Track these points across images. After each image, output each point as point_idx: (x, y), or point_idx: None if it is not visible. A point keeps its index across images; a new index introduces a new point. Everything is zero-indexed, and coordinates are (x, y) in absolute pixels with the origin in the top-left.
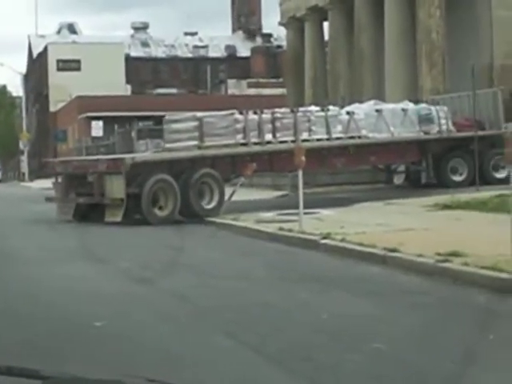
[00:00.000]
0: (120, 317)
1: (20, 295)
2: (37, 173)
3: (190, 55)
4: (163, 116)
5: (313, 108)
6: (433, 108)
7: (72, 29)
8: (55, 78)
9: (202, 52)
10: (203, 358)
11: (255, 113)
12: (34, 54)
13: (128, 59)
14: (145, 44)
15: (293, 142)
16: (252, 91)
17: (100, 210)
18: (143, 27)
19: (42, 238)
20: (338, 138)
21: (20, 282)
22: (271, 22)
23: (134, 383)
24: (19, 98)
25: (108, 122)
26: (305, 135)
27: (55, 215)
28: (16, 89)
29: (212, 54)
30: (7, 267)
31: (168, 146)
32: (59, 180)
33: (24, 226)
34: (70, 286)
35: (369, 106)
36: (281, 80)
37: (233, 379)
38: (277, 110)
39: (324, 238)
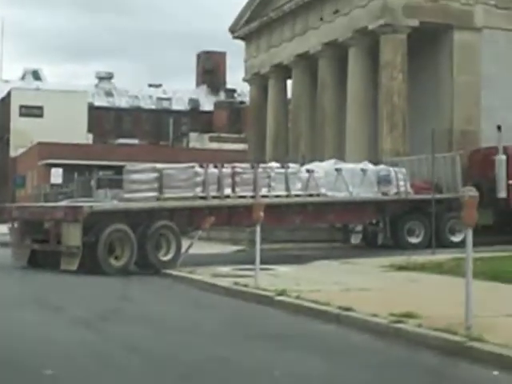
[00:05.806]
0: (70, 366)
1: None
2: None
3: (153, 107)
4: (124, 166)
5: (273, 164)
6: (391, 169)
7: (36, 75)
8: (17, 123)
9: (165, 104)
10: None
11: (215, 167)
12: None
13: (91, 108)
14: (108, 94)
15: (252, 197)
16: (214, 145)
17: (56, 258)
18: (108, 77)
19: None
20: (297, 195)
21: None
22: (236, 77)
23: None
24: None
25: (68, 169)
26: (264, 191)
27: (10, 261)
28: None
29: (175, 106)
30: None
31: (127, 196)
32: (15, 225)
33: None
34: (22, 332)
35: (329, 164)
36: (243, 135)
37: None
38: (237, 164)
39: (279, 294)
